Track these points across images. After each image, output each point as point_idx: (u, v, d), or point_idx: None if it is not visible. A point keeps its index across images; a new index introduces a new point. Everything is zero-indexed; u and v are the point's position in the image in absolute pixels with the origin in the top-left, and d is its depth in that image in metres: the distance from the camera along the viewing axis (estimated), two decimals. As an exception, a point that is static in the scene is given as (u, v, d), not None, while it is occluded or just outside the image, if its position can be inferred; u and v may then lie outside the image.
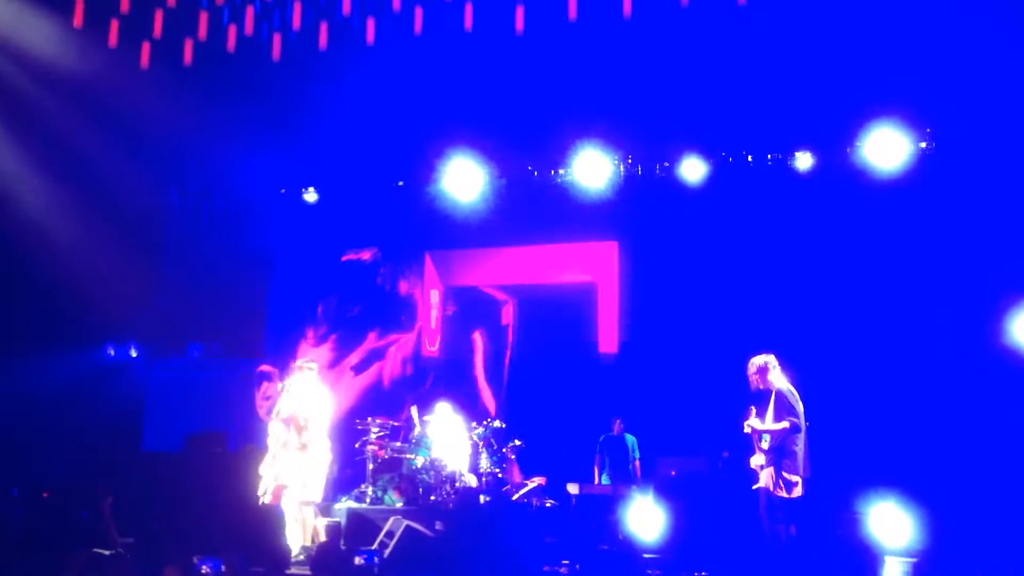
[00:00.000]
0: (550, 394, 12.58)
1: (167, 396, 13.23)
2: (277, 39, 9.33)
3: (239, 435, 12.13)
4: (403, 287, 14.02)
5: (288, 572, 7.65)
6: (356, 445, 11.09)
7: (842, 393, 10.78)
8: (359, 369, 13.98)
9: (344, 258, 14.12)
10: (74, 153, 11.15)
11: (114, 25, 8.98)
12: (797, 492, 8.20)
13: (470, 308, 13.69)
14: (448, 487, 10.36)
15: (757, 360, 8.51)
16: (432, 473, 10.49)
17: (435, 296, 13.86)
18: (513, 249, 13.37)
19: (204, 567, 6.63)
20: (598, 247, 13.05)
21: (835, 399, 10.53)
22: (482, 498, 9.31)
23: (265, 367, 12.34)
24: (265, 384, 13.23)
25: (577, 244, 13.11)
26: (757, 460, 8.37)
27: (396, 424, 11.55)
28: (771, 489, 8.19)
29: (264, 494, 9.37)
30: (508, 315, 13.45)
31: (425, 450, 10.70)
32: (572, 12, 8.50)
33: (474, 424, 10.99)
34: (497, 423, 10.98)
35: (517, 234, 13.05)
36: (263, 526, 8.00)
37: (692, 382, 11.56)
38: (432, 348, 13.86)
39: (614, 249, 12.93)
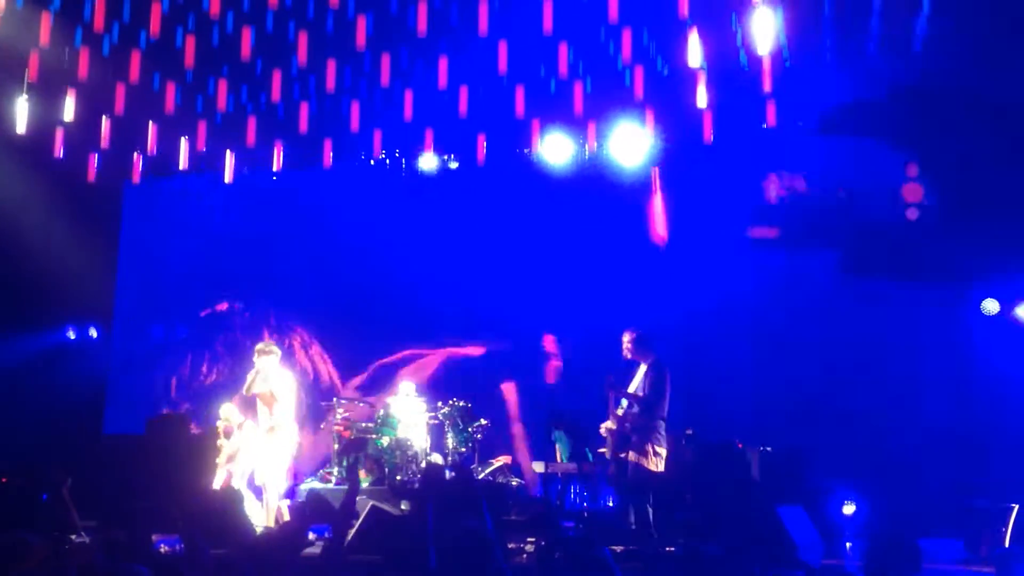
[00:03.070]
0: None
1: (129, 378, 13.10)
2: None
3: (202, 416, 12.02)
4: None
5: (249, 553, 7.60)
6: (321, 426, 11.05)
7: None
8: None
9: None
10: (37, 138, 10.95)
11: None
12: (662, 466, 8.34)
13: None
14: (414, 466, 10.35)
15: (634, 330, 8.62)
16: (398, 453, 10.48)
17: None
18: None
19: (163, 546, 6.58)
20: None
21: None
22: (447, 474, 9.30)
23: None
24: None
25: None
26: (610, 425, 8.40)
27: (362, 404, 11.54)
28: (643, 463, 8.26)
29: (221, 474, 9.37)
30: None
31: (391, 430, 10.67)
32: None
33: (439, 403, 10.97)
34: (463, 403, 10.96)
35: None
36: (224, 507, 7.95)
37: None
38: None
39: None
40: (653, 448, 8.33)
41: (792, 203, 11.26)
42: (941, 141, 10.14)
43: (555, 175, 11.85)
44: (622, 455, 8.39)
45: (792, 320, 11.18)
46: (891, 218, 10.66)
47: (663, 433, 8.44)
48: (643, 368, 8.55)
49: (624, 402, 8.44)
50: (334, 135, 10.80)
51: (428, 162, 12.34)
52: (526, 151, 11.74)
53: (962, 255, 10.00)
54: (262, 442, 9.19)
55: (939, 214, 10.44)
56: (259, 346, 9.43)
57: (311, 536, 8.14)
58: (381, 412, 10.96)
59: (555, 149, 11.76)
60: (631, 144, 11.49)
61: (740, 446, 9.77)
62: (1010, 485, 8.71)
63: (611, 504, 9.90)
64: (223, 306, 13.48)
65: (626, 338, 8.65)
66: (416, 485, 9.91)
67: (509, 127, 10.76)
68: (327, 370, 13.23)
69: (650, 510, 8.31)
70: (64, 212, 11.68)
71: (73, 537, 8.13)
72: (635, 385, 8.55)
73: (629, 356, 8.61)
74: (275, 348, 9.46)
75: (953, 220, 10.26)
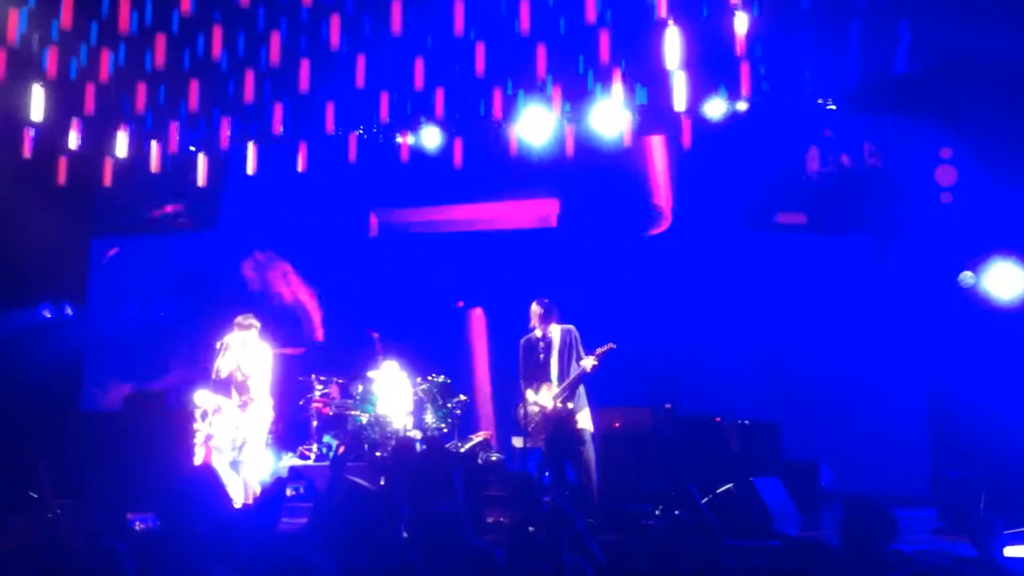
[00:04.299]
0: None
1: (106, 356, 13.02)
2: None
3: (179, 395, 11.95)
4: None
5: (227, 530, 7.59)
6: (300, 402, 11.04)
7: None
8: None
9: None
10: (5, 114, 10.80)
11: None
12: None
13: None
14: (393, 443, 10.35)
15: (540, 303, 8.70)
16: (377, 429, 10.48)
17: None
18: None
19: (138, 523, 6.56)
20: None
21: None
22: (418, 447, 9.32)
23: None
24: None
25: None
26: (551, 396, 8.40)
27: (340, 381, 11.52)
28: (590, 428, 8.35)
29: (198, 453, 9.40)
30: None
31: (370, 406, 10.67)
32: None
33: (419, 380, 10.97)
34: (442, 379, 10.96)
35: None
36: (202, 486, 7.92)
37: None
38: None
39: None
40: (585, 411, 8.45)
41: (832, 179, 11.00)
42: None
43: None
44: (576, 428, 8.41)
45: (769, 295, 11.23)
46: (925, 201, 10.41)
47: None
48: (557, 337, 8.50)
49: (572, 376, 8.41)
50: (309, 137, 10.89)
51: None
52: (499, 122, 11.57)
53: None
54: (238, 417, 9.19)
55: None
56: (238, 319, 9.41)
57: (288, 491, 8.15)
58: (360, 389, 10.96)
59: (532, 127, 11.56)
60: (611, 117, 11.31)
61: (718, 420, 9.82)
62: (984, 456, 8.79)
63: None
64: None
65: (534, 308, 8.68)
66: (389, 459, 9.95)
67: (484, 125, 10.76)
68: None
69: (593, 472, 8.39)
70: (37, 189, 11.52)
71: (49, 516, 8.09)
72: (556, 351, 8.49)
73: (539, 329, 8.60)
74: (255, 321, 9.44)
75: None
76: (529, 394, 8.59)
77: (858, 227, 10.87)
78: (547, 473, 8.62)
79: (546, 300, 8.77)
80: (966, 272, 10.02)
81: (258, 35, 9.00)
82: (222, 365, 9.23)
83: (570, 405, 8.44)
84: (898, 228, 10.61)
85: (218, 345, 9.33)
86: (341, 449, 10.28)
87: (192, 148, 11.66)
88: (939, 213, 10.23)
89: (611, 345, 8.43)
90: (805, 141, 11.02)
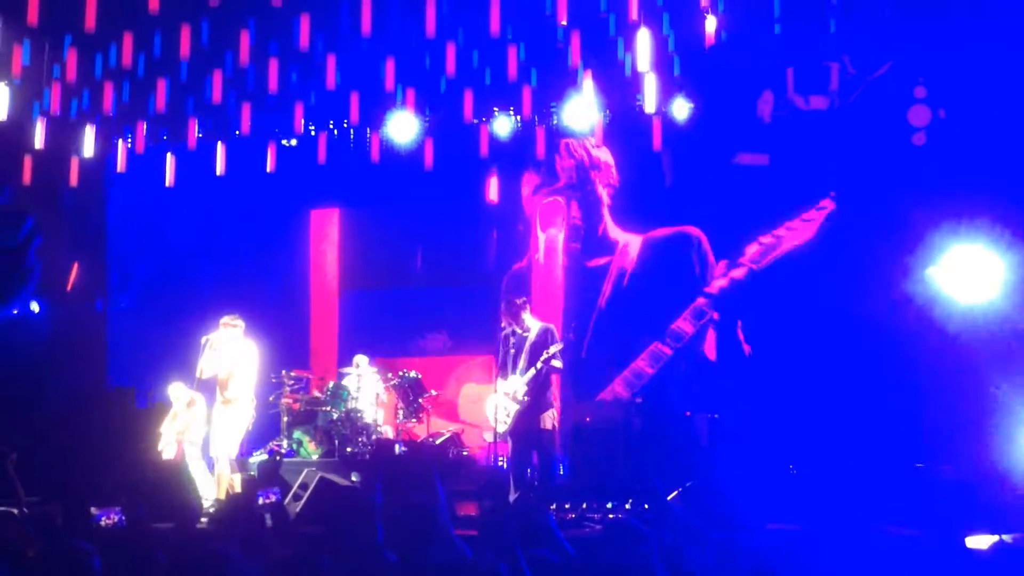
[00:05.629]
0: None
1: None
2: None
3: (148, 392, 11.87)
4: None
5: (197, 525, 7.57)
6: (271, 398, 11.00)
7: None
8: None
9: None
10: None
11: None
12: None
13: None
14: (364, 438, 10.36)
15: (513, 299, 8.75)
16: (348, 425, 10.47)
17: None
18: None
19: (104, 519, 6.52)
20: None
21: None
22: (397, 448, 9.34)
23: None
24: None
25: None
26: (515, 391, 8.44)
27: (311, 376, 11.50)
28: (553, 426, 8.52)
29: (164, 450, 9.38)
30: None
31: (341, 402, 10.66)
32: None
33: (390, 375, 10.97)
34: (413, 373, 10.96)
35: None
36: (169, 481, 7.92)
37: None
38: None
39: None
40: (552, 410, 8.58)
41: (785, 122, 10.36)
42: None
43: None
44: (536, 426, 8.46)
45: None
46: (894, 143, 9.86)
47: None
48: (532, 334, 8.57)
49: (528, 374, 8.44)
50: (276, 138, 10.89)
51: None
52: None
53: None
54: (217, 414, 9.18)
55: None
56: (224, 319, 9.37)
57: (259, 500, 8.14)
58: (331, 384, 10.94)
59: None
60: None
61: (688, 414, 9.89)
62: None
63: (562, 472, 10.00)
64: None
65: (504, 308, 8.74)
66: (366, 457, 9.94)
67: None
68: None
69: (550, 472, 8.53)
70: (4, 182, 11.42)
71: (16, 511, 8.04)
72: (527, 348, 8.53)
73: (511, 325, 8.63)
74: (239, 321, 9.41)
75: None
76: (499, 384, 8.63)
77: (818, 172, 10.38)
78: (516, 467, 8.64)
79: (513, 298, 8.77)
80: (931, 267, 10.05)
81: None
82: (205, 362, 9.22)
83: (525, 400, 8.43)
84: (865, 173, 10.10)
85: (203, 341, 9.30)
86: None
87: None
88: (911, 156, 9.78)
89: (559, 345, 8.42)
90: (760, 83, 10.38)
